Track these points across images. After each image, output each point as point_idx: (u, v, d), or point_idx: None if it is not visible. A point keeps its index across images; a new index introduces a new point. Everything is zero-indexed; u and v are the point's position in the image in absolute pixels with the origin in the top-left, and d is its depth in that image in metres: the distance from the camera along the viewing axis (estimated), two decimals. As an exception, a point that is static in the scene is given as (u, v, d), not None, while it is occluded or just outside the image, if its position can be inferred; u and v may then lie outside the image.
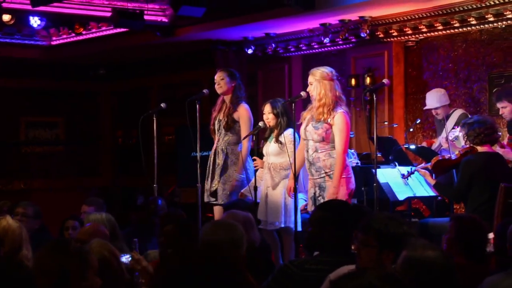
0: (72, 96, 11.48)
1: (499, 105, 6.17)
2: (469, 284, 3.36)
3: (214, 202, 6.38)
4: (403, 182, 6.32)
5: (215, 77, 6.41)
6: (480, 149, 5.63)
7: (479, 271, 3.66)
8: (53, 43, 10.14)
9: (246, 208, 5.03)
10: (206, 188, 6.36)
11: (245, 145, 6.21)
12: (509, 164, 5.96)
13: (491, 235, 5.18)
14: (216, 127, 6.40)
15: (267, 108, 6.19)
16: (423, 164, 6.24)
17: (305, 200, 6.49)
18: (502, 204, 5.11)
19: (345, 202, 4.65)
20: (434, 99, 6.89)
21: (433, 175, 5.94)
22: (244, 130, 6.26)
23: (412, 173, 6.08)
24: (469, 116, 6.59)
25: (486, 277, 3.31)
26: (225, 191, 6.27)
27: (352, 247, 3.60)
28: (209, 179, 6.36)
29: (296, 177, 5.73)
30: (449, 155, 5.96)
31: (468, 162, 5.57)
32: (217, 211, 6.35)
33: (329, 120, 5.52)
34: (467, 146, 5.73)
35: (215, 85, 6.39)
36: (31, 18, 8.36)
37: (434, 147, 7.00)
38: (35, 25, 8.48)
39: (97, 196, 7.48)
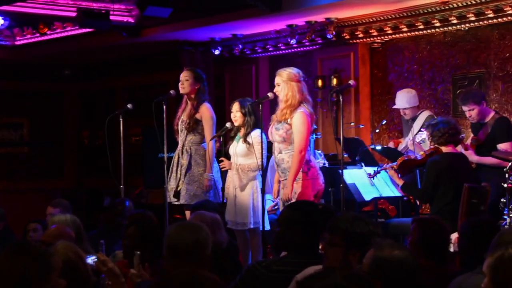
0: (37, 96, 11.33)
1: (466, 108, 6.21)
2: (432, 285, 3.40)
3: (176, 203, 6.33)
4: (370, 182, 6.37)
5: (181, 76, 6.36)
6: (444, 149, 5.71)
7: (442, 271, 3.71)
8: (17, 43, 10.00)
9: (213, 209, 5.02)
10: (169, 188, 6.31)
11: (210, 144, 6.19)
12: (471, 165, 6.06)
13: (455, 235, 5.26)
14: (180, 127, 6.36)
15: (235, 107, 6.16)
16: (389, 164, 6.29)
17: (272, 201, 6.51)
18: (466, 204, 5.18)
19: (313, 202, 4.67)
20: (404, 99, 6.94)
21: (399, 175, 6.00)
22: (207, 129, 6.23)
23: (378, 172, 6.13)
24: (435, 117, 6.67)
25: (455, 278, 3.36)
26: (188, 191, 6.22)
27: (320, 247, 3.62)
28: (172, 180, 6.31)
29: (264, 178, 5.73)
30: (414, 156, 6.03)
31: (433, 162, 5.65)
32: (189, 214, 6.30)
33: (288, 120, 5.53)
34: (432, 147, 5.81)
35: (179, 84, 6.35)
36: (-6, 17, 8.24)
37: (400, 148, 7.07)
38: (-2, 25, 8.36)
39: (62, 198, 7.40)
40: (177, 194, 6.25)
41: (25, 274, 2.70)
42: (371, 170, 6.33)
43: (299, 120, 5.48)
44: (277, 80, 5.65)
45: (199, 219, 4.23)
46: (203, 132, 6.27)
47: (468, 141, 6.27)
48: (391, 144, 7.30)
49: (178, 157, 6.31)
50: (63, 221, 4.69)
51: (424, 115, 6.93)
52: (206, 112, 6.26)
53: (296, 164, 5.42)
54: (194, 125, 6.26)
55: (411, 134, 6.68)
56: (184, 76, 6.32)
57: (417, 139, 6.37)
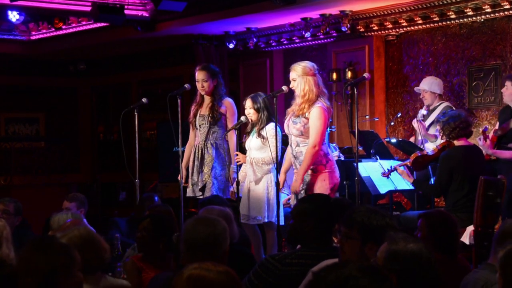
0: (52, 91, 11.39)
1: (505, 83, 6.26)
2: (443, 278, 3.39)
3: (201, 197, 6.32)
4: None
5: (197, 77, 6.33)
6: (456, 143, 5.68)
7: (452, 264, 3.70)
8: (33, 38, 10.05)
9: (222, 203, 5.00)
10: (192, 182, 6.30)
11: (233, 137, 6.22)
12: (487, 158, 6.02)
13: (471, 228, 5.24)
14: (198, 122, 6.35)
15: (248, 103, 6.17)
16: (401, 162, 6.27)
17: (287, 194, 6.50)
18: (482, 196, 5.15)
19: (326, 195, 4.65)
20: (425, 82, 7.06)
21: (414, 172, 5.99)
22: (232, 123, 6.28)
23: (392, 171, 6.09)
24: (454, 109, 6.66)
25: (465, 270, 3.34)
26: (215, 185, 6.23)
27: (335, 241, 3.62)
28: (195, 174, 6.29)
29: (278, 172, 5.73)
30: (426, 151, 6.02)
31: (446, 156, 5.62)
32: None
33: (306, 114, 5.52)
34: (444, 141, 5.78)
35: (198, 85, 6.32)
36: (9, 12, 8.28)
37: (418, 139, 7.04)
38: (13, 20, 8.40)
39: (78, 192, 7.43)
40: (202, 188, 6.24)
41: (51, 268, 2.71)
42: (386, 163, 6.31)
43: (316, 114, 5.46)
44: (292, 75, 5.62)
45: (209, 213, 4.22)
46: (224, 125, 6.29)
47: (490, 134, 6.21)
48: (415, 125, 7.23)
49: (200, 151, 6.30)
50: (65, 219, 4.70)
51: (443, 106, 6.92)
52: (230, 107, 6.33)
53: (309, 158, 5.40)
54: (218, 118, 6.28)
55: (420, 115, 6.81)
56: (202, 77, 6.28)
57: (418, 117, 6.48)
